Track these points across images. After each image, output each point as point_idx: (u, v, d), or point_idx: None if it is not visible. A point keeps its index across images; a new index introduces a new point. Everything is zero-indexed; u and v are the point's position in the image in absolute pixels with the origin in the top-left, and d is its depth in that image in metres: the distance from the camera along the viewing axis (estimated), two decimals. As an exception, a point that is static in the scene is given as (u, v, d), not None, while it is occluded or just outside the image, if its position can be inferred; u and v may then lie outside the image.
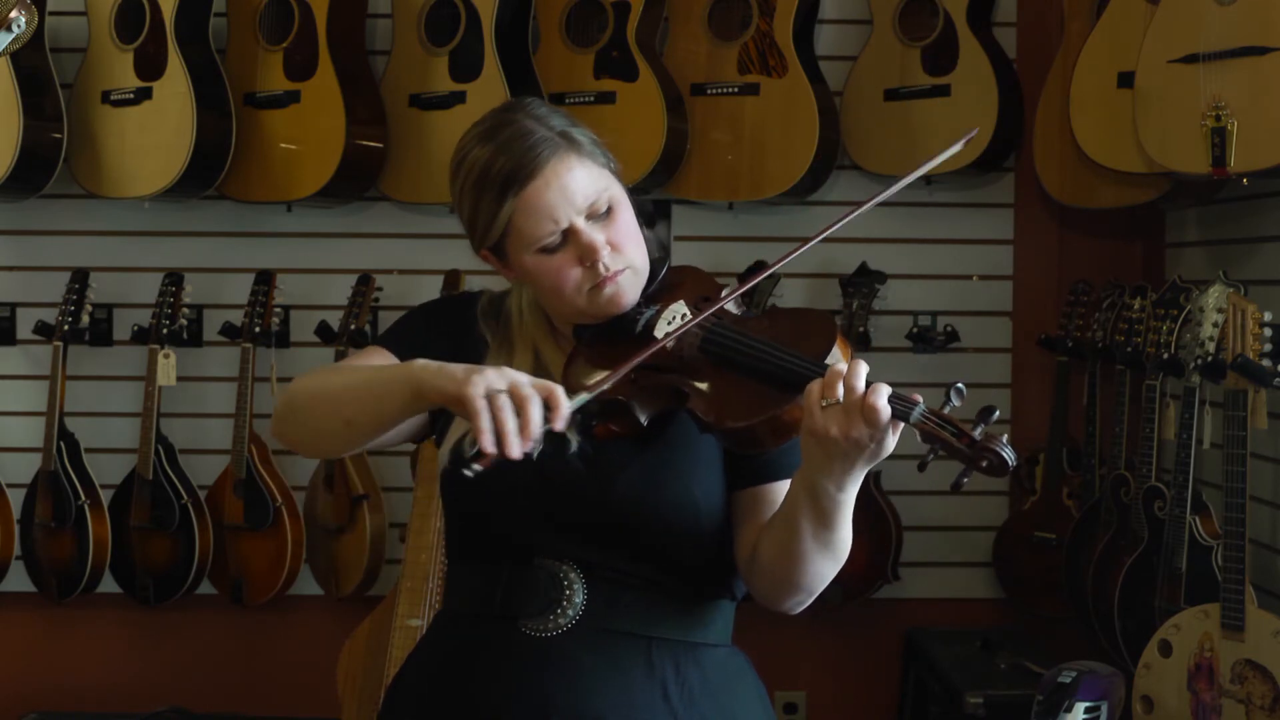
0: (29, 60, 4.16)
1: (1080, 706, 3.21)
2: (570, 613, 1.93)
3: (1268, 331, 3.33)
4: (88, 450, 4.37)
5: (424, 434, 2.05)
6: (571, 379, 1.94)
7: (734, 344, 1.88)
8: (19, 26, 2.93)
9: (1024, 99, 4.27)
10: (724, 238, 4.40)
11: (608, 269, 1.92)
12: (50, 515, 4.31)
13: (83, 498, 4.31)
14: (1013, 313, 4.49)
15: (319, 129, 4.17)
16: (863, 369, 1.74)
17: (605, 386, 1.82)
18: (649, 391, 1.88)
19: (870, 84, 4.24)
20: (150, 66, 4.21)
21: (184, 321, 4.35)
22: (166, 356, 4.32)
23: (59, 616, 4.52)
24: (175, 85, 4.15)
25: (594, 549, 1.94)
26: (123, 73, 4.24)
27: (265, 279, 4.34)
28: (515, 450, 1.70)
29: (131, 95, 4.23)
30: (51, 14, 4.28)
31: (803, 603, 1.96)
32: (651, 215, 4.42)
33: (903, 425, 1.74)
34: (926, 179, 4.28)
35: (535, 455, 1.73)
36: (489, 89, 4.11)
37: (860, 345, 4.15)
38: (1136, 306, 3.91)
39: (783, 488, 1.93)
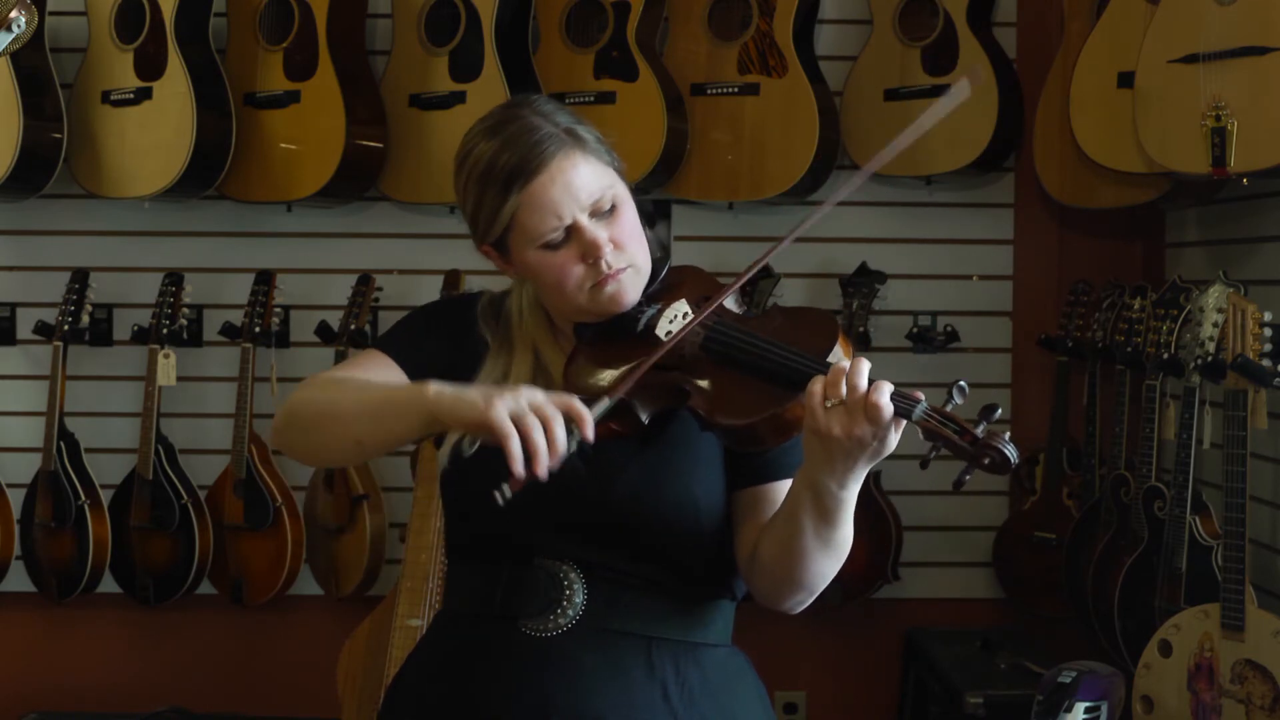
0: (29, 60, 4.16)
1: (1080, 706, 3.21)
2: (570, 613, 1.93)
3: (1268, 331, 3.33)
4: (88, 450, 4.37)
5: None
6: (573, 378, 1.94)
7: (736, 342, 1.88)
8: (19, 26, 2.93)
9: (1024, 99, 4.27)
10: (724, 238, 4.40)
11: (610, 267, 1.92)
12: (50, 515, 4.31)
13: (83, 498, 4.31)
14: (1013, 313, 4.49)
15: (319, 129, 4.17)
16: (865, 367, 1.74)
17: (625, 390, 1.81)
18: (650, 390, 1.88)
19: (870, 84, 4.24)
20: (150, 66, 4.21)
21: (184, 321, 4.35)
22: (166, 356, 4.32)
23: (59, 616, 4.52)
24: (175, 85, 4.15)
25: (594, 549, 1.94)
26: (123, 73, 4.24)
27: (265, 279, 4.34)
28: (545, 470, 1.71)
29: (131, 95, 4.23)
30: (51, 14, 4.28)
31: (803, 602, 1.96)
32: (651, 215, 4.42)
33: (905, 423, 1.74)
34: (926, 179, 4.29)
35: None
36: (489, 89, 4.11)
37: (860, 345, 4.15)
38: (1136, 306, 3.91)
39: (784, 487, 1.93)
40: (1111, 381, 4.06)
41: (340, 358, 4.26)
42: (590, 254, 1.92)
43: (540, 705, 1.92)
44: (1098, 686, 3.25)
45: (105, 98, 4.27)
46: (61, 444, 4.32)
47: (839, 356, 1.83)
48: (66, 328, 4.30)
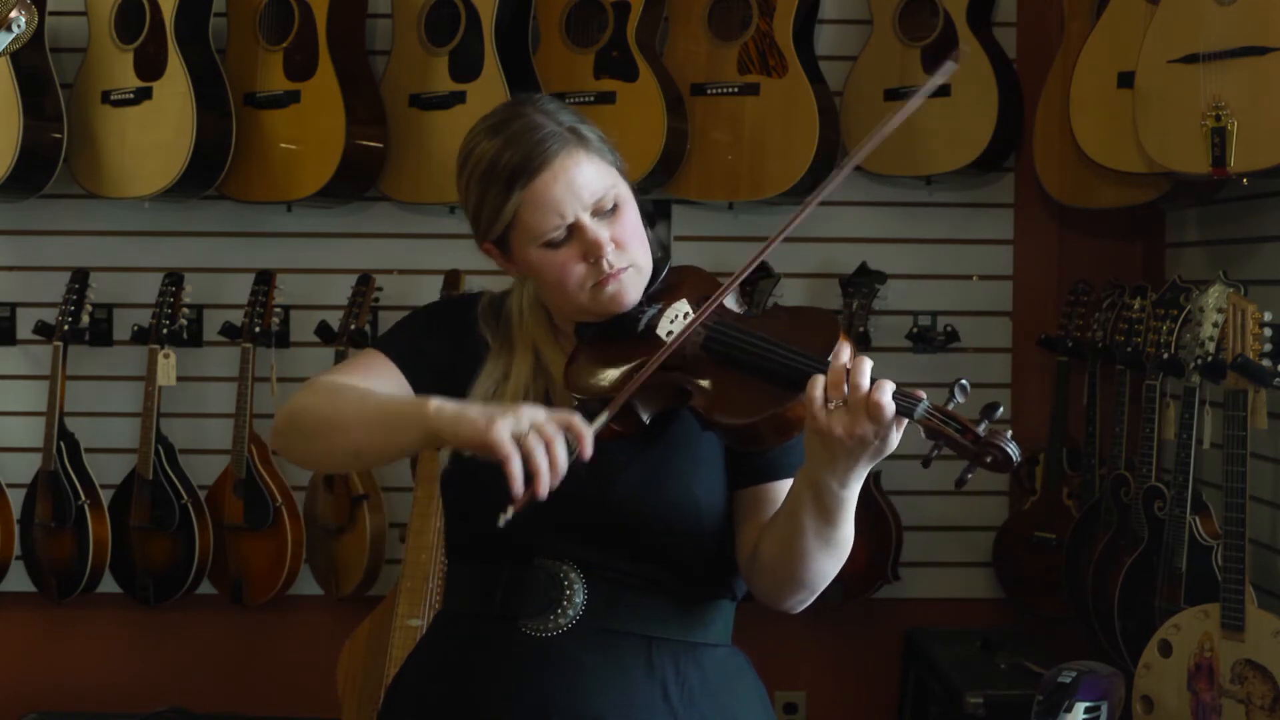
0: (29, 60, 4.16)
1: (1080, 706, 3.21)
2: (571, 612, 1.93)
3: (1268, 331, 3.33)
4: (88, 450, 4.37)
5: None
6: (573, 378, 1.94)
7: (737, 342, 1.88)
8: (19, 26, 2.93)
9: (1024, 99, 4.27)
10: (724, 238, 4.40)
11: (611, 266, 1.92)
12: (50, 515, 4.31)
13: (83, 498, 4.31)
14: (1013, 313, 4.49)
15: (319, 129, 4.17)
16: (867, 365, 1.74)
17: (623, 400, 1.81)
18: (652, 390, 1.88)
19: (870, 84, 4.24)
20: (150, 66, 4.21)
21: (184, 321, 4.35)
22: (166, 356, 4.32)
23: (59, 616, 4.52)
24: (175, 85, 4.15)
25: (594, 549, 1.93)
26: (123, 73, 4.24)
27: (265, 279, 4.34)
28: (546, 489, 1.71)
29: (131, 95, 4.23)
30: (51, 14, 4.28)
31: (804, 601, 1.96)
32: (651, 215, 4.42)
33: (907, 422, 1.74)
34: (926, 179, 4.29)
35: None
36: (489, 89, 4.11)
37: (860, 345, 4.15)
38: (1136, 306, 3.91)
39: (784, 486, 1.93)
40: (1111, 381, 4.06)
41: (340, 358, 4.26)
42: (592, 253, 1.92)
43: (540, 705, 1.91)
44: (1098, 686, 3.25)
45: (105, 98, 4.27)
46: (61, 444, 4.32)
47: (840, 356, 1.83)
48: (66, 328, 4.30)
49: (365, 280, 4.31)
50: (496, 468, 1.71)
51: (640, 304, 1.97)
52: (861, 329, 4.19)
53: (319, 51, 4.19)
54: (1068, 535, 4.14)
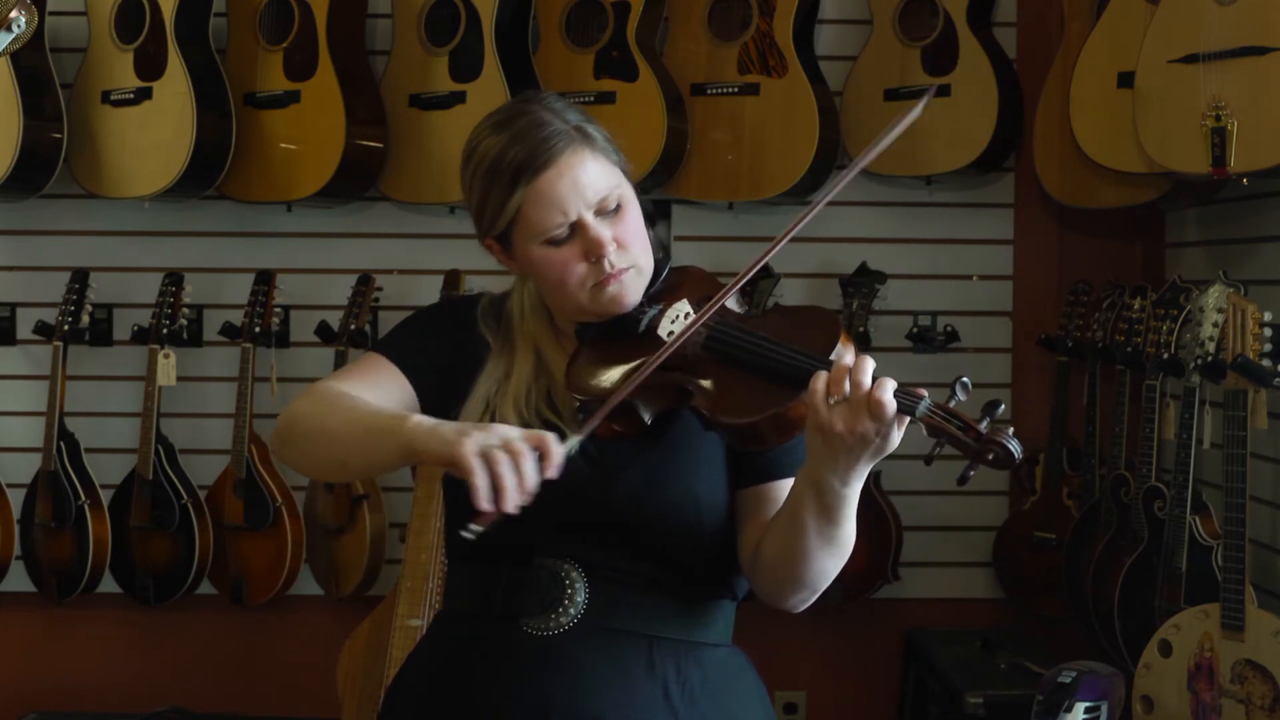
0: (29, 60, 4.16)
1: (1080, 706, 3.21)
2: (572, 611, 1.93)
3: (1268, 331, 3.33)
4: (88, 450, 4.37)
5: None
6: (575, 378, 1.94)
7: (738, 341, 1.88)
8: (19, 26, 2.93)
9: (1024, 99, 4.27)
10: (724, 238, 4.40)
11: (613, 266, 1.93)
12: (50, 515, 4.31)
13: (83, 498, 4.31)
14: (1013, 313, 4.49)
15: (319, 129, 4.17)
16: (869, 364, 1.75)
17: (595, 424, 1.82)
18: (653, 390, 1.88)
19: (870, 84, 4.24)
20: (150, 66, 4.21)
21: (184, 321, 4.35)
22: (166, 356, 4.32)
23: (59, 616, 4.52)
24: (175, 85, 4.15)
25: (595, 548, 1.94)
26: (123, 73, 4.24)
27: (265, 279, 4.34)
28: (512, 505, 1.71)
29: (131, 95, 4.23)
30: (51, 14, 4.28)
31: (806, 600, 1.96)
32: (651, 215, 4.42)
33: (908, 420, 1.74)
34: (926, 179, 4.29)
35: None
36: (489, 89, 4.11)
37: (860, 345, 4.15)
38: (1136, 306, 3.91)
39: (786, 486, 1.93)
40: (1111, 381, 4.06)
41: (340, 358, 4.26)
42: (593, 252, 1.92)
43: (540, 705, 1.92)
44: (1098, 686, 3.25)
45: (105, 98, 4.27)
46: (61, 444, 4.32)
47: (841, 355, 1.83)
48: (66, 328, 4.30)
49: (365, 280, 4.31)
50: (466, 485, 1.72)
51: (641, 304, 1.97)
52: (861, 329, 4.19)
53: (319, 51, 4.19)
54: (1068, 535, 4.14)
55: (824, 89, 4.21)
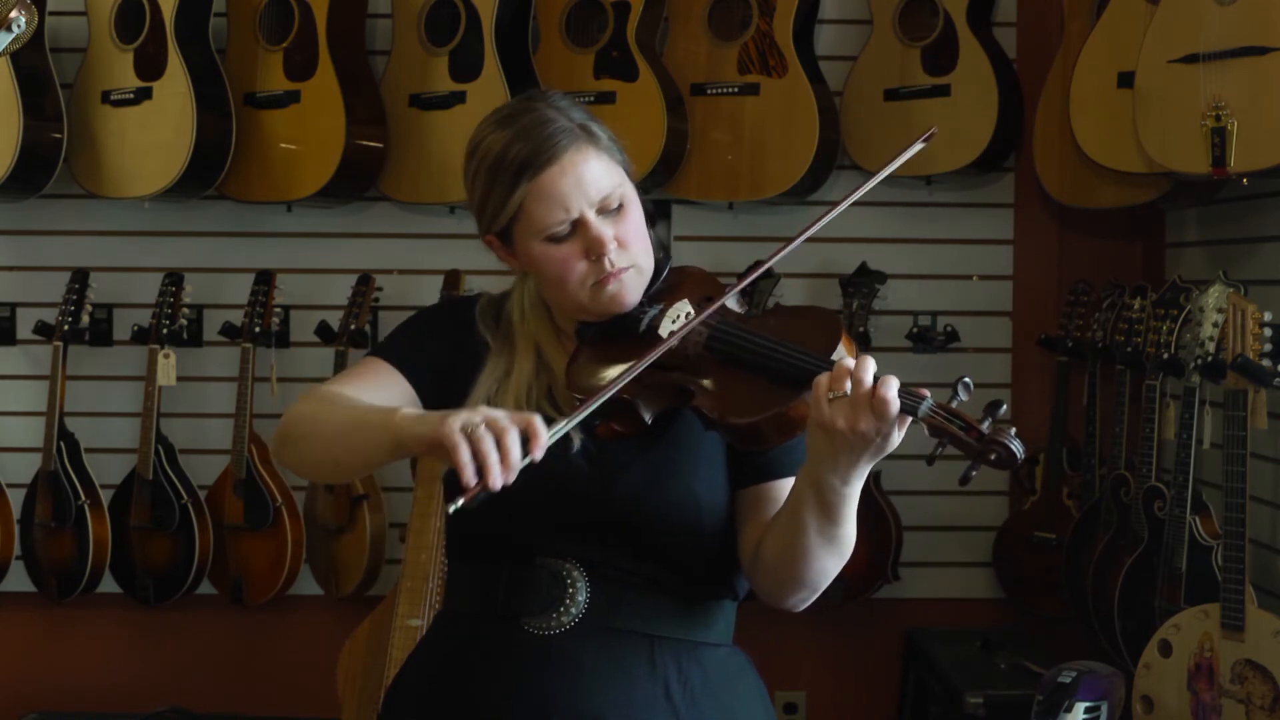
0: (29, 60, 4.16)
1: (1080, 706, 3.21)
2: (573, 611, 1.93)
3: (1268, 331, 3.33)
4: (88, 450, 4.37)
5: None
6: (575, 377, 1.94)
7: (739, 341, 1.88)
8: (19, 26, 2.92)
9: (1024, 99, 4.27)
10: (724, 238, 4.40)
11: (613, 265, 1.93)
12: (50, 515, 4.31)
13: (83, 498, 4.31)
14: (1013, 313, 4.49)
15: (319, 129, 4.17)
16: (870, 363, 1.75)
17: (586, 412, 1.81)
18: (654, 390, 1.88)
19: (870, 84, 4.24)
20: (150, 66, 4.21)
21: (184, 321, 4.35)
22: (166, 356, 4.32)
23: (59, 616, 4.52)
24: (175, 85, 4.15)
25: (596, 548, 1.94)
26: (123, 73, 4.24)
27: (265, 279, 4.34)
28: (496, 481, 1.69)
29: (131, 95, 4.23)
30: (51, 14, 4.28)
31: (806, 600, 1.96)
32: (651, 215, 4.41)
33: (910, 420, 1.74)
34: (926, 179, 4.29)
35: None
36: (489, 89, 4.11)
37: (860, 345, 4.15)
38: (1136, 306, 3.91)
39: (786, 486, 1.93)
40: (1111, 381, 4.06)
41: (340, 358, 4.26)
42: (594, 250, 1.92)
43: (541, 705, 1.92)
44: (1098, 686, 3.25)
45: (105, 98, 4.27)
46: (61, 444, 4.32)
47: (842, 355, 1.83)
48: (66, 328, 4.30)
49: (365, 280, 4.31)
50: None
51: (642, 304, 1.97)
52: (861, 329, 4.19)
53: (319, 51, 4.19)
54: (1068, 535, 4.14)
55: (824, 89, 4.21)
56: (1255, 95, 3.38)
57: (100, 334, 4.46)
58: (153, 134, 4.19)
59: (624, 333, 1.96)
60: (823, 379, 1.76)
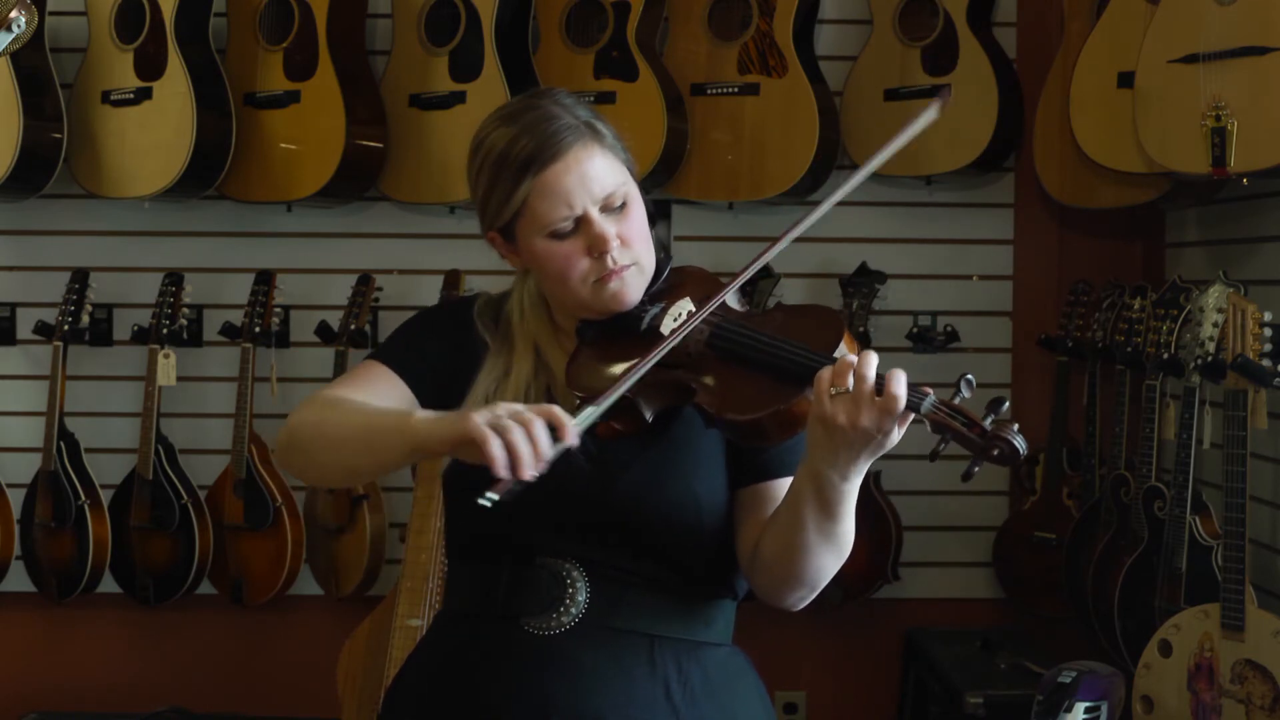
0: (29, 60, 4.16)
1: (1080, 706, 3.21)
2: (573, 611, 1.93)
3: (1268, 331, 3.33)
4: (88, 450, 4.37)
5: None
6: (575, 377, 1.94)
7: (741, 338, 1.88)
8: (19, 26, 2.93)
9: (1024, 99, 4.27)
10: (724, 238, 4.40)
11: (615, 262, 1.93)
12: (50, 515, 4.31)
13: (83, 498, 4.31)
14: (1013, 313, 4.49)
15: (319, 129, 4.17)
16: (873, 359, 1.75)
17: (613, 399, 1.81)
18: (655, 388, 1.88)
19: (870, 84, 4.24)
20: (150, 66, 4.21)
21: (184, 321, 4.35)
22: (166, 356, 4.32)
23: (59, 616, 4.52)
24: (175, 85, 4.15)
25: (596, 547, 1.94)
26: (123, 73, 4.24)
27: (265, 279, 4.34)
28: (529, 472, 1.69)
29: (131, 95, 4.23)
30: (51, 14, 4.28)
31: (805, 598, 1.96)
32: (651, 215, 4.41)
33: (912, 416, 1.74)
34: (926, 179, 4.29)
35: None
36: (489, 89, 4.11)
37: (860, 345, 4.14)
38: (1136, 306, 3.91)
39: (785, 485, 1.93)
40: (1111, 381, 4.06)
41: (340, 358, 4.26)
42: (597, 247, 1.92)
43: (541, 705, 1.92)
44: (1098, 686, 3.25)
45: (105, 98, 4.27)
46: (61, 444, 4.32)
47: (844, 352, 1.83)
48: (66, 328, 4.30)
49: (365, 280, 4.31)
50: (485, 468, 1.71)
51: (643, 303, 1.98)
52: (861, 329, 4.19)
53: (319, 51, 4.19)
54: (1068, 535, 4.14)
55: (824, 89, 4.21)
56: (1255, 95, 3.38)
57: (100, 334, 4.46)
58: (153, 134, 4.19)
59: (625, 331, 1.96)
60: (825, 374, 1.76)
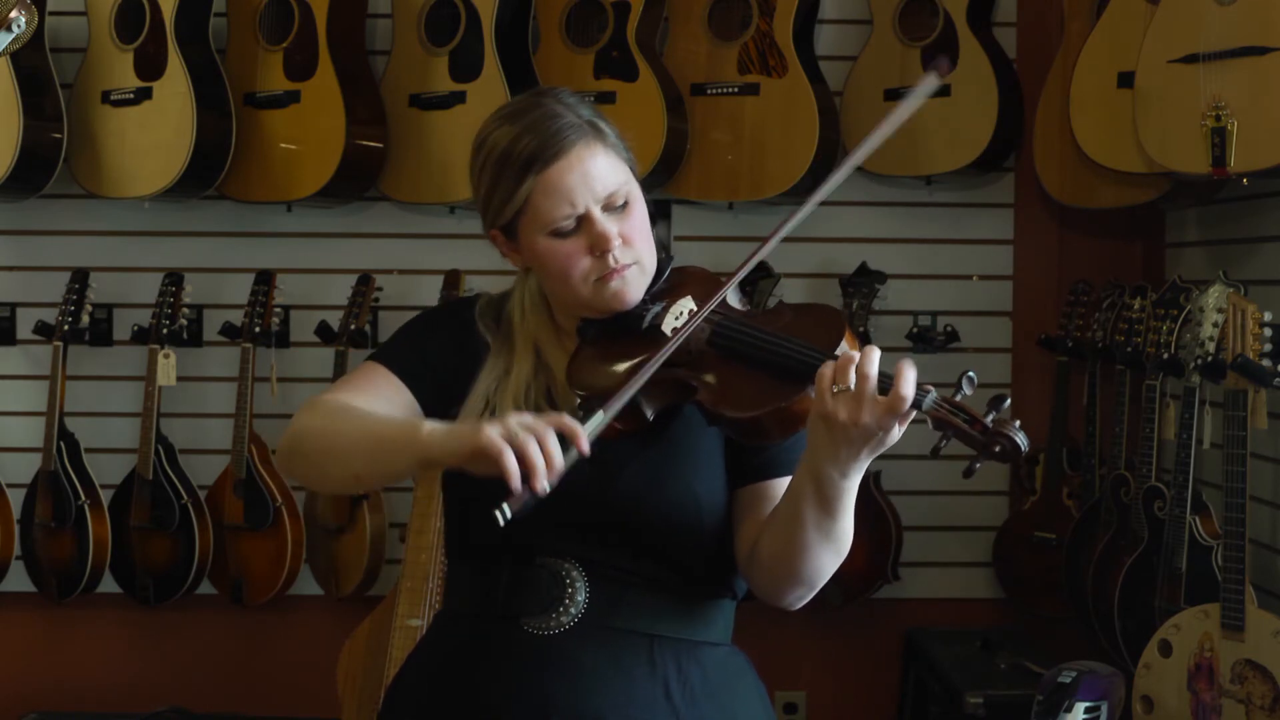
0: (29, 60, 4.16)
1: (1080, 706, 3.21)
2: (573, 611, 1.93)
3: (1268, 331, 3.33)
4: (88, 450, 4.37)
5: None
6: (576, 376, 1.94)
7: (743, 336, 1.88)
8: (19, 26, 2.93)
9: (1024, 99, 4.27)
10: (724, 238, 4.40)
11: (617, 261, 1.93)
12: (50, 515, 4.31)
13: (83, 498, 4.31)
14: (1013, 313, 4.49)
15: (319, 129, 4.17)
16: (875, 355, 1.74)
17: (623, 402, 1.81)
18: (657, 386, 1.88)
19: (870, 84, 4.24)
20: (150, 66, 4.21)
21: (184, 321, 4.35)
22: (166, 356, 4.32)
23: (59, 616, 4.52)
24: (175, 85, 4.15)
25: (596, 547, 1.94)
26: (123, 73, 4.24)
27: (265, 279, 4.34)
28: (544, 484, 1.70)
29: (131, 95, 4.23)
30: (51, 14, 4.28)
31: (803, 597, 1.96)
32: (651, 215, 4.41)
33: (914, 413, 1.74)
34: (926, 179, 4.29)
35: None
36: (489, 89, 4.11)
37: (861, 345, 4.14)
38: (1136, 306, 3.91)
39: (784, 485, 1.93)
40: (1111, 381, 4.06)
41: (340, 358, 4.26)
42: (599, 246, 1.93)
43: (541, 704, 1.92)
44: (1098, 686, 3.25)
45: (105, 98, 4.27)
46: (61, 444, 4.32)
47: (846, 350, 1.83)
48: (66, 328, 4.30)
49: (365, 280, 4.31)
50: (498, 480, 1.71)
51: (644, 302, 1.98)
52: (861, 329, 4.19)
53: (319, 51, 4.19)
54: (1068, 535, 4.14)
55: (824, 89, 4.21)
56: (1255, 95, 3.38)
57: (100, 334, 4.46)
58: (153, 134, 4.19)
59: (626, 331, 1.96)
60: (827, 369, 1.76)
